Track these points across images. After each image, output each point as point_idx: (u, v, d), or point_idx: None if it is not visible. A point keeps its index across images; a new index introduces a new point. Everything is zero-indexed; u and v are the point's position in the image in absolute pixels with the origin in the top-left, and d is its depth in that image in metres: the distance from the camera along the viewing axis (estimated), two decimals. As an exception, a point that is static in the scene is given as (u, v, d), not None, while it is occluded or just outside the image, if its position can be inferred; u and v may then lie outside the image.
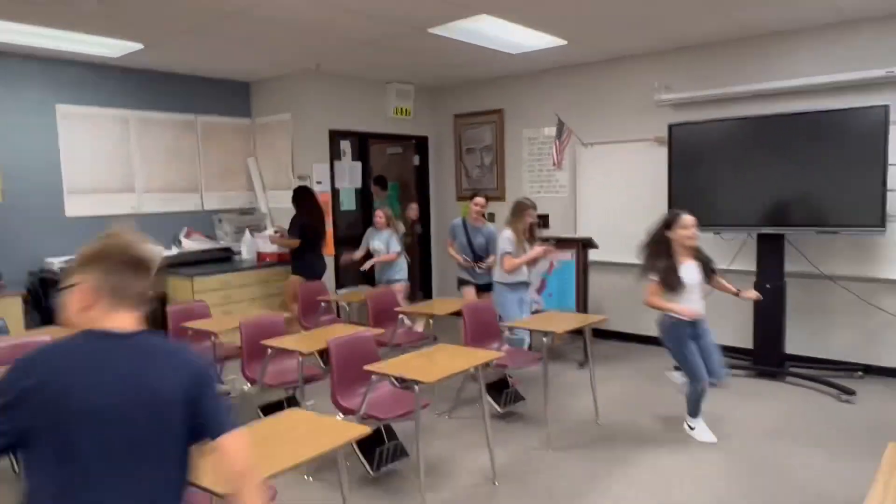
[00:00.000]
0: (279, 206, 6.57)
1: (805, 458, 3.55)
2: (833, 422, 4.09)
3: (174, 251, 6.06)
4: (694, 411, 3.89)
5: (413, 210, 6.95)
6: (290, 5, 4.12)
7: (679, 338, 3.71)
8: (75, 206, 5.60)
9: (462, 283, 5.41)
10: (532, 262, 4.97)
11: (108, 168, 5.81)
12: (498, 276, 4.97)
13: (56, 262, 5.23)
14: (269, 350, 3.75)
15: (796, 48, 5.11)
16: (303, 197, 5.84)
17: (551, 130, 6.45)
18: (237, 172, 6.75)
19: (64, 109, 5.52)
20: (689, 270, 3.70)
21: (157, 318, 5.75)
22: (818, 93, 5.00)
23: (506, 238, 4.86)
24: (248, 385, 4.04)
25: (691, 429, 3.91)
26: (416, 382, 2.98)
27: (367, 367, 3.18)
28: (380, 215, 5.79)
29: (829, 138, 4.66)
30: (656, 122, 5.74)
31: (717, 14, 4.63)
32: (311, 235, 5.76)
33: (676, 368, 4.08)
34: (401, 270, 5.81)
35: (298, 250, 5.74)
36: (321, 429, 2.38)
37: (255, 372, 3.90)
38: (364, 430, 2.38)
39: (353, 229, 6.91)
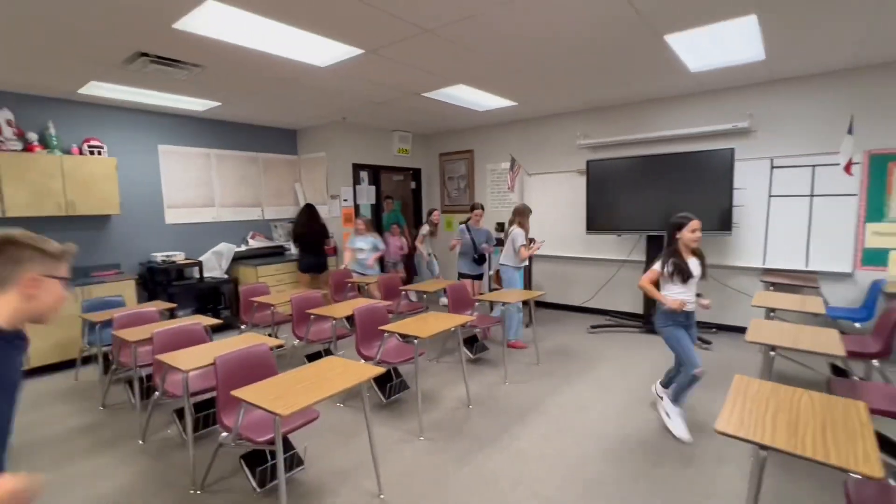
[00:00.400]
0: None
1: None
2: None
3: (243, 248, 6.01)
4: (677, 398, 3.01)
5: (436, 215, 6.51)
6: (327, 77, 4.10)
7: (673, 326, 2.96)
8: (172, 216, 5.53)
9: (461, 276, 5.15)
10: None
11: (196, 189, 5.74)
12: (512, 261, 4.62)
13: (159, 256, 5.17)
14: (312, 316, 3.76)
15: (673, 108, 5.20)
16: (301, 213, 5.73)
17: (506, 164, 6.51)
18: (287, 193, 6.67)
19: (164, 148, 5.44)
20: (693, 265, 2.97)
21: (232, 296, 5.75)
22: (687, 139, 5.09)
23: (519, 234, 4.54)
24: (297, 341, 4.04)
25: (668, 416, 3.02)
26: (415, 337, 3.00)
27: (381, 328, 3.19)
28: (360, 223, 5.51)
29: (695, 170, 4.76)
30: (578, 159, 5.81)
31: (620, 86, 4.72)
32: (300, 242, 5.66)
33: (665, 386, 3.25)
34: (373, 270, 5.54)
35: (299, 251, 5.69)
36: (350, 370, 2.38)
37: (302, 332, 3.90)
38: (379, 370, 2.38)
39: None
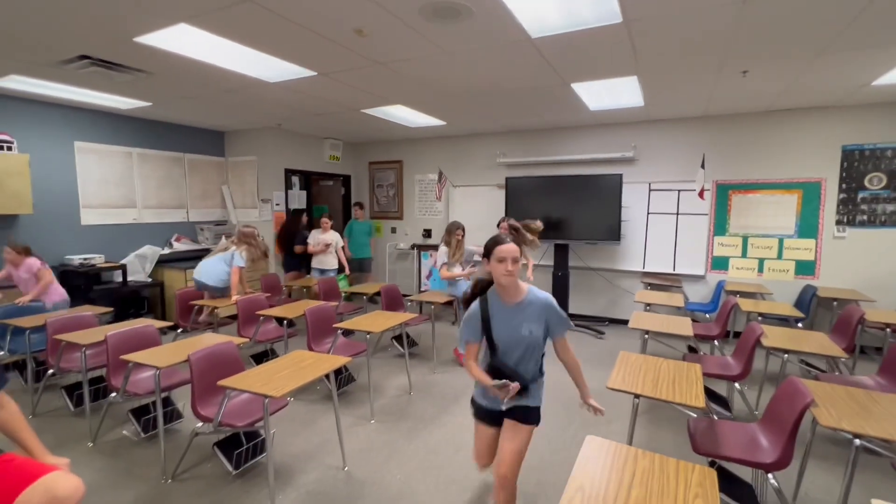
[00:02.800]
0: (246, 220, 6.51)
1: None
2: (594, 349, 4.98)
3: (167, 251, 5.85)
4: None
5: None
6: (275, 91, 4.29)
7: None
8: (89, 217, 5.25)
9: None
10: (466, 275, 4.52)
11: (116, 189, 5.49)
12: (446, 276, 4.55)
13: (76, 259, 4.92)
14: (262, 317, 3.95)
15: (577, 136, 6.07)
16: (286, 218, 5.99)
17: (434, 176, 7.01)
18: (213, 195, 6.57)
19: (81, 145, 5.17)
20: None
21: (157, 300, 5.58)
22: (588, 163, 5.99)
23: (443, 253, 4.50)
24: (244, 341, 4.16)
25: None
26: (368, 333, 3.37)
27: (337, 325, 3.47)
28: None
29: (593, 189, 5.62)
30: (498, 175, 6.49)
31: (534, 116, 5.45)
32: (284, 244, 5.91)
33: None
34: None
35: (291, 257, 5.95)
36: (320, 361, 2.67)
37: (250, 333, 4.03)
38: (344, 360, 2.68)
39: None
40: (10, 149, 4.49)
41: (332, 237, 5.81)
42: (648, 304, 4.41)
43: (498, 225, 4.37)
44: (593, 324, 5.94)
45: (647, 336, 3.48)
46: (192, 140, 6.30)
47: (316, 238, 5.76)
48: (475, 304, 1.99)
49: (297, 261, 6.05)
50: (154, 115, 5.59)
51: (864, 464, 2.75)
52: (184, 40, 3.12)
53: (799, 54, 3.35)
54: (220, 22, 2.84)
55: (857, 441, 2.01)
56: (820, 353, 2.93)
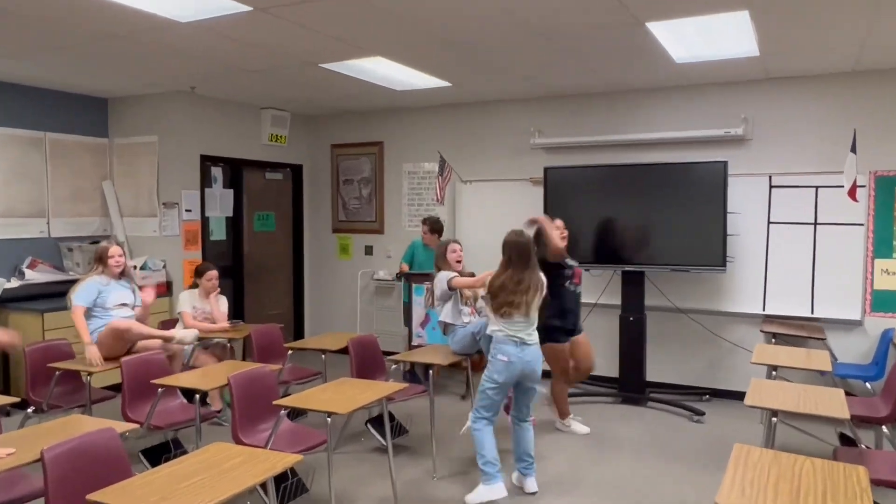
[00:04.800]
0: (139, 235, 6.55)
1: (665, 470, 4.35)
2: (688, 439, 4.94)
3: (15, 283, 5.82)
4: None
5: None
6: (185, 35, 4.33)
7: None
8: None
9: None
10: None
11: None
12: (452, 317, 4.76)
13: None
14: (160, 389, 3.87)
15: (652, 104, 6.10)
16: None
17: (432, 166, 7.04)
18: (90, 196, 6.60)
19: None
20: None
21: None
22: (669, 146, 5.98)
23: (443, 276, 4.69)
24: (128, 430, 4.06)
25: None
26: (329, 414, 3.30)
27: (278, 402, 3.44)
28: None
29: (680, 187, 5.60)
30: (532, 164, 6.50)
31: (587, 73, 5.48)
32: None
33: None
34: None
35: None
36: (255, 460, 2.59)
37: (143, 414, 3.95)
38: (295, 458, 2.61)
39: (224, 260, 7.01)
40: None
41: (223, 307, 5.50)
42: (774, 368, 4.37)
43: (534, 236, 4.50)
44: (686, 398, 5.86)
45: (774, 419, 3.40)
46: (58, 111, 6.32)
47: (195, 304, 5.40)
48: None
49: None
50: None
51: None
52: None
53: None
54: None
55: None
56: None
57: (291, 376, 5.16)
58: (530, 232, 4.34)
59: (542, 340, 4.07)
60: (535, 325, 3.89)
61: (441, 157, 6.68)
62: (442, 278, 4.72)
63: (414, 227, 7.23)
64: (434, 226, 6.41)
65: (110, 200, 6.67)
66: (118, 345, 4.53)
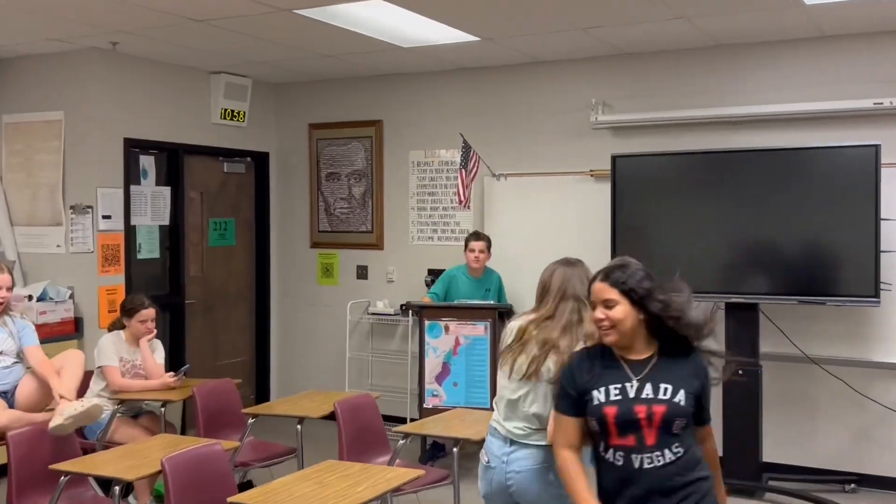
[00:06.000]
0: (37, 252, 6.43)
1: None
2: None
3: None
4: None
5: None
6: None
7: None
8: None
9: None
10: None
11: None
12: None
13: None
14: (64, 477, 3.70)
15: (765, 65, 5.85)
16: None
17: (451, 155, 6.88)
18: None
19: None
20: None
21: None
22: (792, 123, 5.74)
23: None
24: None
25: None
26: None
27: (232, 501, 3.20)
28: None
29: (808, 181, 5.35)
30: (594, 151, 6.29)
31: (675, 18, 5.19)
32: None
33: None
34: None
35: None
36: None
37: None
38: None
39: (157, 287, 6.86)
40: None
41: (159, 356, 5.60)
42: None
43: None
44: (821, 487, 5.59)
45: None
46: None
47: (122, 354, 5.39)
48: None
49: None
50: None
51: None
52: None
53: None
54: None
55: None
56: None
57: (253, 455, 4.99)
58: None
59: None
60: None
61: (465, 143, 6.49)
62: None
63: (424, 240, 7.14)
64: (488, 242, 6.31)
65: (-1, 202, 6.58)
66: None
